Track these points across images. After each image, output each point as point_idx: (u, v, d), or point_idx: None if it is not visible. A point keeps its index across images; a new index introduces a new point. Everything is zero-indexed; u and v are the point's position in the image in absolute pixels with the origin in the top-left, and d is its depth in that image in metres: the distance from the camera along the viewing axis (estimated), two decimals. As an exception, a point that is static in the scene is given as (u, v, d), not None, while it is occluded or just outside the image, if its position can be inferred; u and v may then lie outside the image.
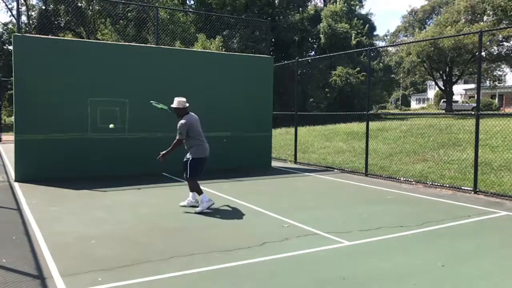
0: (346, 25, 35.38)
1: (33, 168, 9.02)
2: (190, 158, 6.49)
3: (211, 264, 4.30)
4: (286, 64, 17.06)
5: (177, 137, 6.41)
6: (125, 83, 9.94)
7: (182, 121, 6.41)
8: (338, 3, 37.22)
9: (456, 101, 41.26)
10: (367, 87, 11.66)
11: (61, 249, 4.69)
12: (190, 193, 6.77)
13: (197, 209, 6.44)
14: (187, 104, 6.54)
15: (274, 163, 12.63)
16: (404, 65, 37.42)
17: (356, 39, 34.78)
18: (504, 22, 32.04)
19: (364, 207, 7.14)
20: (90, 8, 30.22)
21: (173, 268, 4.20)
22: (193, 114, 6.66)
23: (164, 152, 6.52)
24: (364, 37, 35.38)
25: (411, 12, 70.08)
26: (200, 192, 6.56)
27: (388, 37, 68.85)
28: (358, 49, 27.73)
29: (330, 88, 32.77)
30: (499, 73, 39.59)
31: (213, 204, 6.54)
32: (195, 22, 28.14)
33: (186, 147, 6.58)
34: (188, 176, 6.56)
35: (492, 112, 27.69)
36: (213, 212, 6.52)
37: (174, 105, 6.52)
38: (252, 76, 11.69)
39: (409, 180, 9.69)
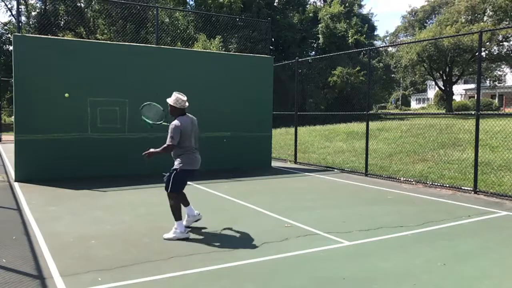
0: (344, 24, 35.34)
1: (33, 168, 9.02)
2: (178, 169, 5.32)
3: (211, 264, 4.30)
4: (286, 64, 17.03)
5: (168, 142, 5.20)
6: (125, 83, 9.94)
7: (177, 123, 5.19)
8: (334, 3, 37.13)
9: None
10: (367, 87, 11.66)
11: (61, 249, 4.69)
12: (184, 208, 5.58)
13: (166, 235, 5.19)
14: (187, 104, 5.31)
15: (274, 163, 12.63)
16: (402, 62, 37.31)
17: (353, 37, 34.72)
18: (504, 22, 32.04)
19: (364, 207, 7.14)
20: (90, 8, 30.20)
21: (173, 268, 4.20)
22: (190, 115, 5.44)
23: (153, 150, 5.32)
24: (363, 36, 35.30)
25: (411, 12, 70.04)
26: (179, 217, 5.27)
27: (388, 38, 68.77)
28: (359, 49, 27.71)
29: (329, 88, 32.79)
30: (499, 73, 39.55)
31: (187, 237, 5.19)
32: (194, 21, 28.12)
33: (173, 155, 5.41)
34: (169, 190, 5.35)
35: (492, 112, 27.67)
36: (212, 212, 6.52)
37: (170, 100, 5.31)
38: (252, 76, 11.68)
39: (409, 180, 9.69)
